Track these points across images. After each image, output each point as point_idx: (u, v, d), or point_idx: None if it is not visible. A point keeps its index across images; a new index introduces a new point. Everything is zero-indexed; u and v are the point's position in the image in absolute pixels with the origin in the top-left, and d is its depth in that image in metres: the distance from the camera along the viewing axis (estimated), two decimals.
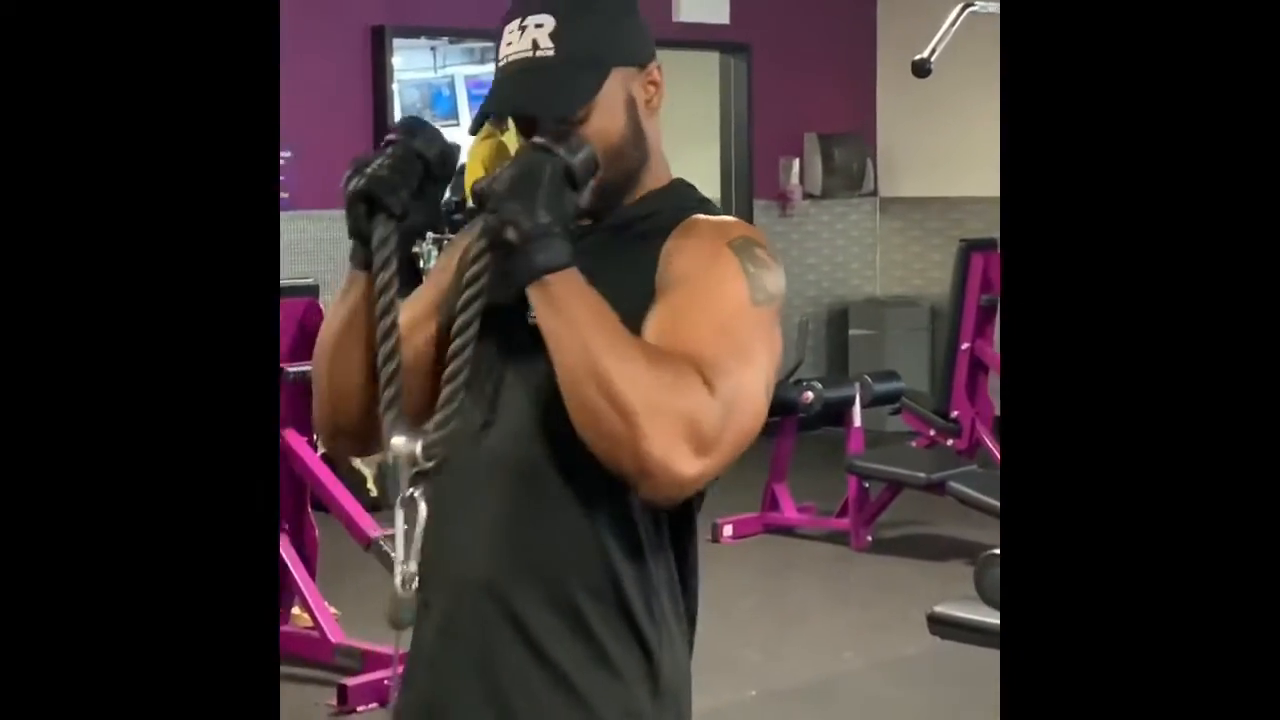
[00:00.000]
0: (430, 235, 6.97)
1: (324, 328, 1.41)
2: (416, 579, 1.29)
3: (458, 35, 6.96)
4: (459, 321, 1.31)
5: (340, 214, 1.36)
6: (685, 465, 1.25)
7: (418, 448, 1.28)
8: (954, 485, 4.87)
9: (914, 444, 5.76)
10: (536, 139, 1.30)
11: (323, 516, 4.06)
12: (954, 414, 5.77)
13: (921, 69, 2.95)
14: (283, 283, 3.34)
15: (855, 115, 7.41)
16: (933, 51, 2.97)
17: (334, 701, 3.64)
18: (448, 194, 7.37)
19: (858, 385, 5.46)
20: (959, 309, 5.82)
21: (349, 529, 3.91)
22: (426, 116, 8.11)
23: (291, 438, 3.96)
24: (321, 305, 4.06)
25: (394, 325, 1.32)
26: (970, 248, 5.87)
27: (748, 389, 1.30)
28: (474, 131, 1.80)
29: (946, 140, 7.11)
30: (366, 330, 1.34)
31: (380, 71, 5.93)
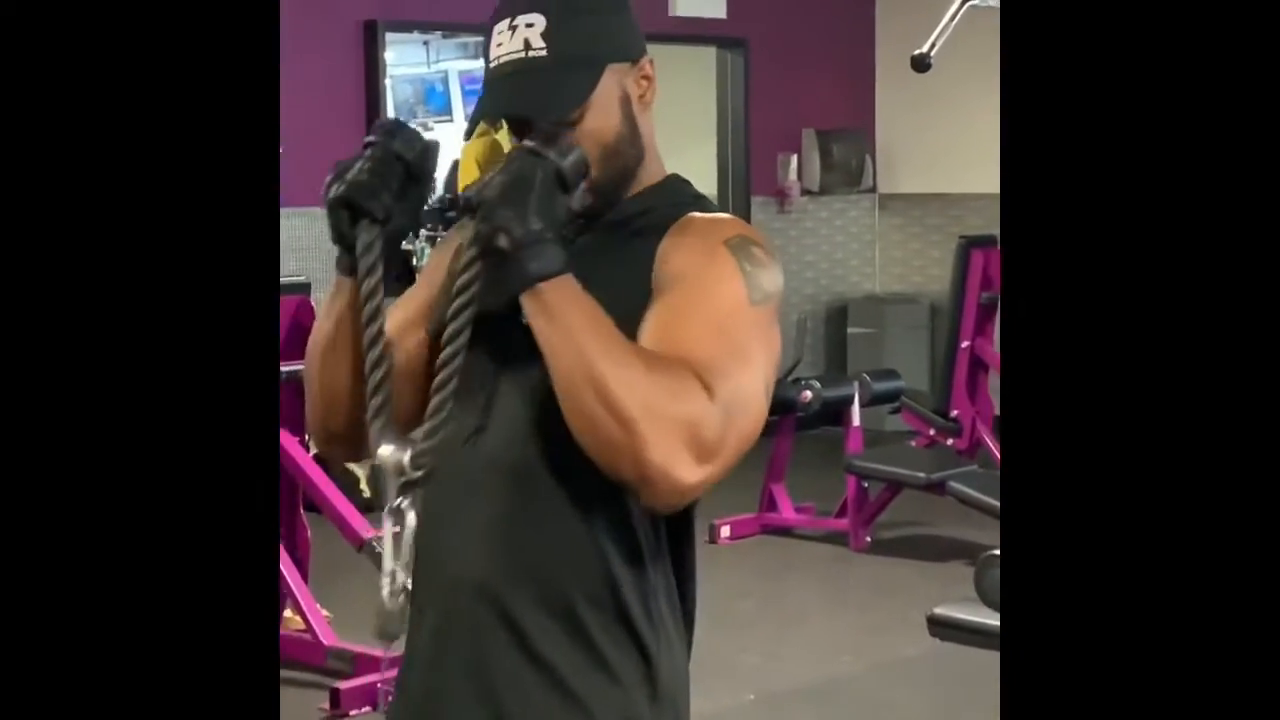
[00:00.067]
0: (424, 233, 6.96)
1: (313, 334, 1.40)
2: (404, 591, 1.27)
3: (451, 30, 6.97)
4: (449, 330, 1.29)
5: None
6: (686, 472, 1.24)
7: (405, 457, 1.27)
8: (954, 485, 4.87)
9: (913, 443, 5.76)
10: (526, 142, 1.29)
11: (315, 518, 4.06)
12: (954, 413, 5.77)
13: (921, 64, 2.92)
14: None
15: (854, 110, 7.42)
16: (932, 46, 2.92)
17: (326, 705, 3.63)
18: (440, 190, 7.34)
19: (856, 384, 5.46)
20: (959, 307, 5.83)
21: (342, 530, 3.91)
22: (420, 112, 8.14)
23: (283, 438, 3.93)
24: (314, 303, 4.04)
25: (380, 332, 1.31)
26: (970, 245, 5.88)
27: (747, 391, 1.29)
28: (469, 136, 1.80)
29: (946, 136, 7.11)
30: (354, 337, 1.33)
31: (373, 67, 5.93)
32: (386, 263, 1.32)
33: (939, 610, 2.85)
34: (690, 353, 1.27)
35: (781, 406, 5.08)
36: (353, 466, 4.39)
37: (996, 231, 6.18)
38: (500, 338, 1.33)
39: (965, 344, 5.78)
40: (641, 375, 1.24)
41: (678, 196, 1.42)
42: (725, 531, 5.24)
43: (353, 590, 4.15)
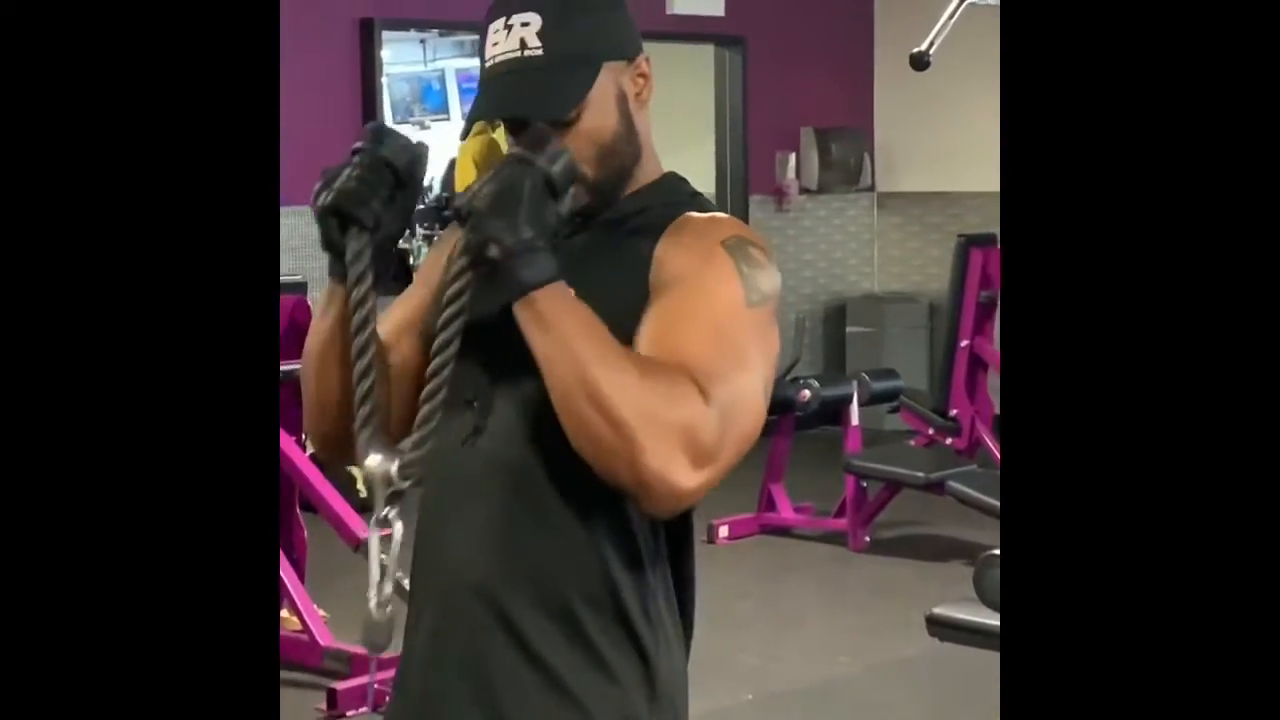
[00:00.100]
0: (421, 232, 6.92)
1: (308, 339, 1.40)
2: (392, 602, 1.27)
3: (448, 28, 6.97)
4: (439, 340, 1.28)
5: None
6: (684, 477, 1.24)
7: (393, 468, 1.27)
8: (953, 485, 4.86)
9: (912, 443, 5.76)
10: (514, 149, 1.28)
11: (311, 517, 4.04)
12: (953, 412, 5.77)
13: (920, 62, 2.90)
14: None
15: (852, 109, 7.41)
16: (931, 44, 2.91)
17: (323, 706, 3.62)
18: (437, 189, 7.32)
19: (855, 383, 5.45)
20: (958, 305, 5.83)
21: (338, 530, 3.89)
22: (417, 111, 8.13)
23: (280, 437, 3.91)
24: (310, 302, 4.02)
25: (370, 341, 1.30)
26: (969, 243, 5.88)
27: (745, 393, 1.29)
28: (465, 136, 1.81)
29: (945, 134, 7.10)
30: (348, 344, 1.33)
31: (369, 65, 5.92)
32: (378, 268, 1.31)
33: (938, 610, 2.84)
34: (687, 357, 1.27)
35: (780, 406, 5.08)
36: (351, 467, 4.36)
37: (995, 230, 6.18)
38: (497, 338, 1.32)
39: (964, 343, 5.78)
40: (636, 381, 1.23)
41: (674, 195, 1.42)
42: (723, 531, 5.23)
43: (349, 590, 4.11)
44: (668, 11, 6.67)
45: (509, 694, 1.34)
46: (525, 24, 1.35)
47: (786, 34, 7.12)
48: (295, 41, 5.46)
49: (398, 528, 1.26)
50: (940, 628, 2.83)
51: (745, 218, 6.91)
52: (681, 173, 1.47)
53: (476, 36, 1.44)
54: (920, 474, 4.94)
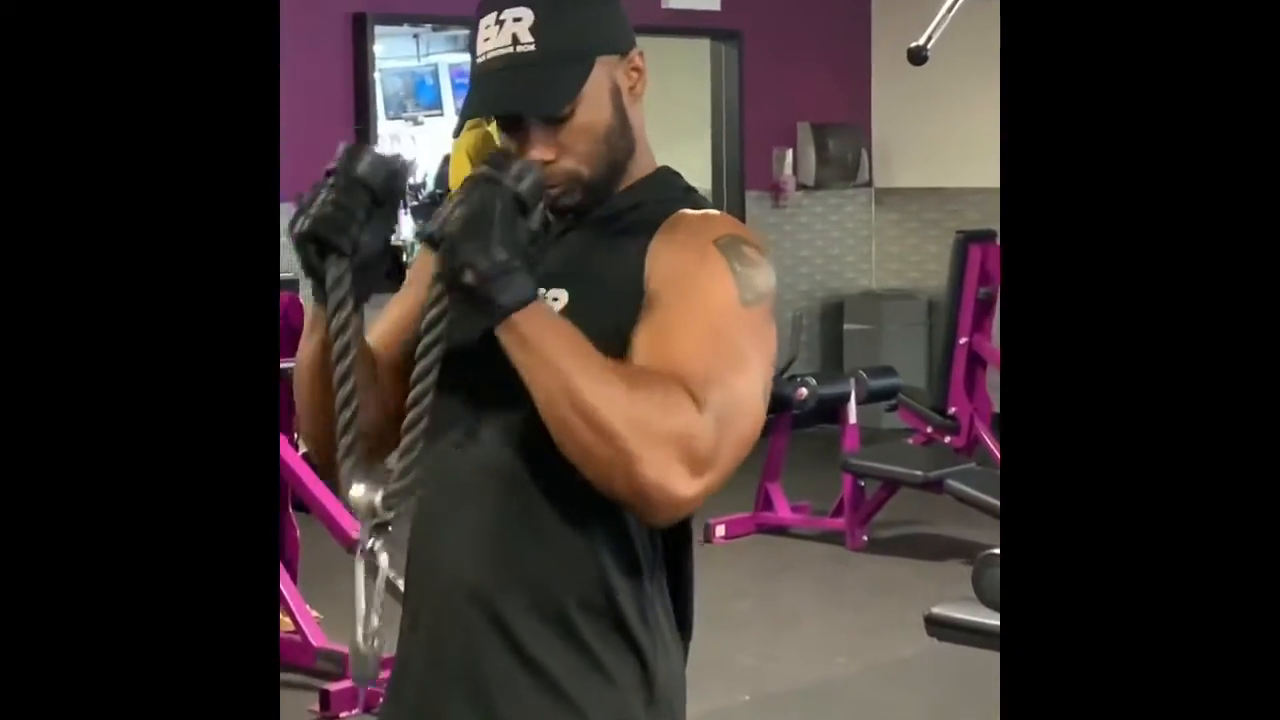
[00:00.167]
0: (414, 226, 6.88)
1: (298, 354, 1.40)
2: (378, 637, 1.27)
3: (441, 23, 6.95)
4: (418, 368, 1.28)
5: None
6: (682, 486, 1.24)
7: (377, 498, 1.26)
8: (952, 483, 4.85)
9: (911, 441, 5.75)
10: (481, 170, 1.27)
11: (304, 517, 4.02)
12: (952, 410, 5.76)
13: (918, 56, 2.88)
14: None
15: (850, 104, 7.40)
16: (929, 38, 2.88)
17: (316, 707, 3.61)
18: (430, 185, 7.29)
19: (853, 381, 5.45)
20: (956, 302, 5.84)
21: (331, 530, 3.89)
22: (410, 106, 8.10)
23: (280, 436, 3.88)
24: (302, 300, 3.98)
25: (351, 369, 1.30)
26: (968, 239, 5.88)
27: (742, 396, 1.28)
28: (457, 134, 1.79)
29: (943, 129, 7.09)
30: (330, 368, 1.33)
31: (362, 60, 5.91)
32: (360, 289, 1.31)
33: (936, 610, 2.84)
34: (681, 362, 1.26)
35: (777, 404, 5.07)
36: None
37: (994, 226, 6.17)
38: (486, 344, 1.31)
39: (963, 340, 5.78)
40: (625, 393, 1.23)
41: (668, 190, 1.41)
42: (720, 531, 5.23)
43: (343, 591, 4.07)
44: (663, 6, 6.67)
45: (504, 697, 1.34)
46: (518, 19, 1.34)
47: (783, 28, 7.11)
48: (287, 37, 5.41)
49: (383, 559, 1.25)
50: (939, 627, 2.83)
51: (742, 214, 6.90)
52: (677, 169, 1.46)
53: (469, 31, 1.43)
54: (918, 472, 4.94)
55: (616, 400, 1.23)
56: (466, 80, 1.42)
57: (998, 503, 4.55)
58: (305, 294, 1.36)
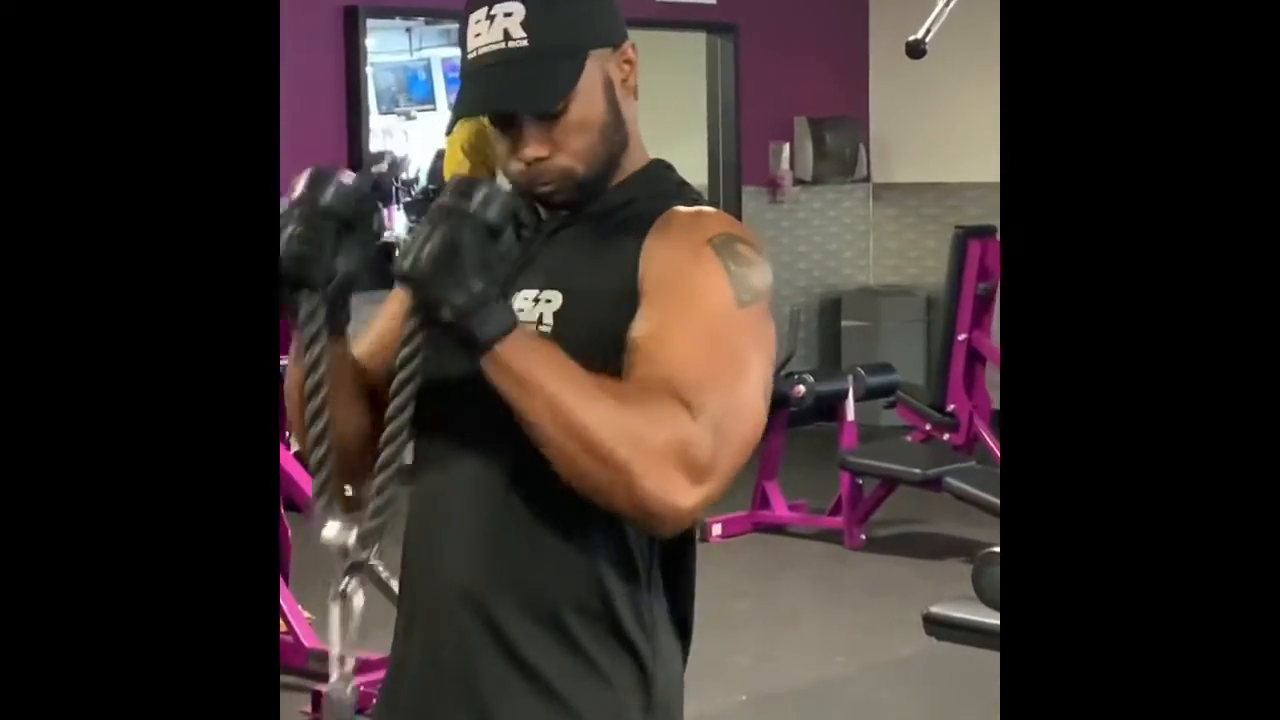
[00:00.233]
0: (407, 222, 6.82)
1: (285, 383, 1.40)
2: (352, 680, 1.28)
3: (434, 16, 6.93)
4: (392, 405, 1.27)
5: None
6: (683, 496, 1.24)
7: (350, 538, 1.26)
8: (950, 481, 4.84)
9: (909, 439, 5.76)
10: (445, 199, 1.25)
11: (296, 517, 3.99)
12: (950, 408, 5.77)
13: (916, 50, 2.85)
14: None
15: (847, 98, 7.40)
16: (927, 32, 2.86)
17: (309, 709, 3.59)
18: (424, 181, 7.23)
19: (851, 378, 5.45)
20: (955, 299, 5.88)
21: None
22: (402, 101, 8.06)
23: (280, 434, 3.85)
24: None
25: (324, 405, 1.29)
26: (966, 235, 5.90)
27: (740, 399, 1.28)
28: (449, 132, 1.79)
29: (942, 124, 7.09)
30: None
31: (353, 54, 5.89)
32: (338, 314, 1.31)
33: (935, 609, 2.83)
34: (675, 369, 1.26)
35: (774, 402, 5.01)
36: None
37: (993, 221, 6.14)
38: (473, 363, 1.30)
39: (962, 337, 5.81)
40: (616, 409, 1.23)
41: (661, 185, 1.41)
42: (717, 530, 5.23)
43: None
44: None
45: (499, 701, 1.33)
46: (508, 14, 1.33)
47: (780, 21, 7.10)
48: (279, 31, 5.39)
49: (358, 598, 1.25)
50: (938, 627, 2.83)
51: (738, 209, 6.88)
52: (673, 164, 1.45)
53: (459, 25, 1.41)
54: (917, 470, 4.93)
55: (608, 418, 1.22)
56: (459, 74, 1.40)
57: (997, 501, 4.55)
58: None
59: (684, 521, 1.28)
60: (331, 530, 1.26)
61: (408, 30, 7.97)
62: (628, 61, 1.38)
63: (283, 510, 4.02)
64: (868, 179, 7.49)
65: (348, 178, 1.30)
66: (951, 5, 2.97)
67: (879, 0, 7.35)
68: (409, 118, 7.99)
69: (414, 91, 8.12)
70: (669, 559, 1.37)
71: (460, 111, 1.38)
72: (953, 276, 5.84)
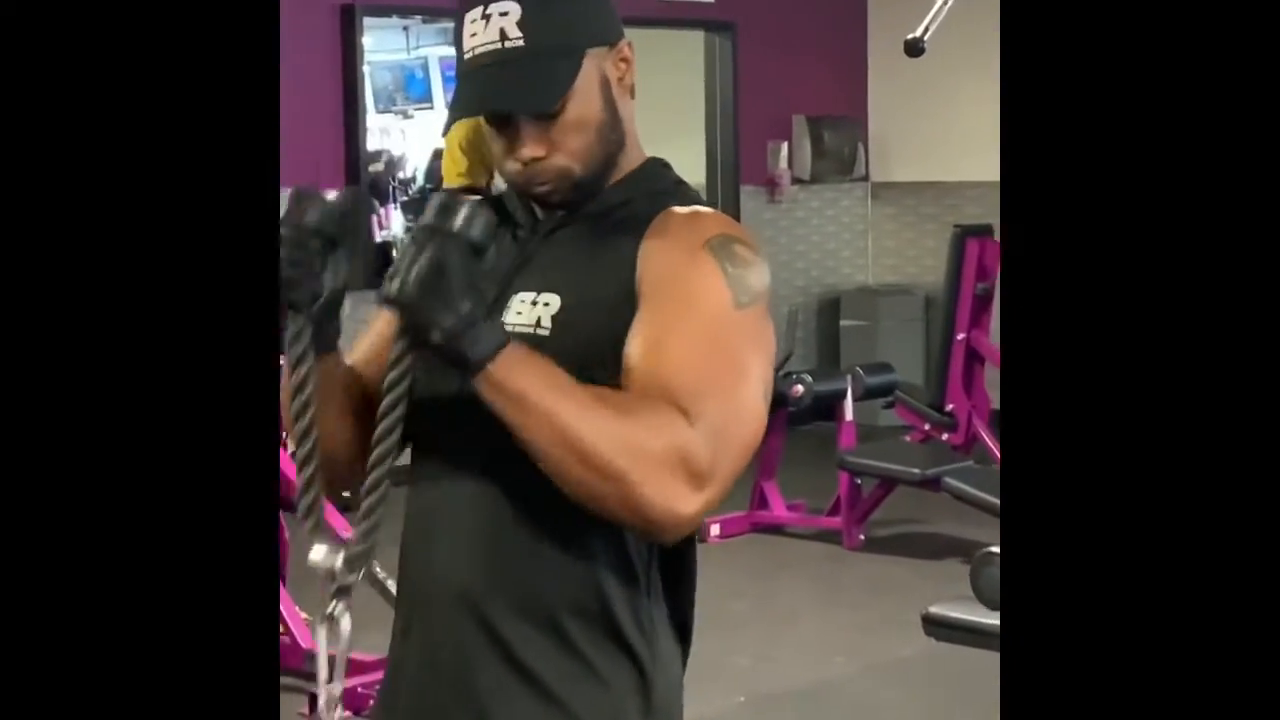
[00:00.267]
0: (404, 223, 6.80)
1: (282, 391, 1.40)
2: (339, 706, 1.28)
3: (432, 14, 6.92)
4: (379, 429, 1.27)
5: None
6: (685, 503, 1.24)
7: (337, 562, 1.26)
8: (949, 481, 4.83)
9: (908, 438, 5.77)
10: (427, 220, 1.25)
11: (291, 517, 3.95)
12: (949, 407, 5.78)
13: (915, 48, 2.84)
14: None
15: (846, 97, 7.39)
16: (926, 30, 2.85)
17: (306, 710, 3.58)
18: (420, 180, 7.21)
19: (849, 378, 5.44)
20: (954, 298, 5.90)
21: None
22: (400, 99, 8.05)
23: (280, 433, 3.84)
24: None
25: (311, 426, 1.30)
26: (965, 234, 5.91)
27: (739, 403, 1.28)
28: (446, 133, 1.75)
29: (941, 123, 7.08)
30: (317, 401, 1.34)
31: (350, 53, 5.87)
32: (328, 329, 1.32)
33: (934, 609, 2.83)
34: (673, 374, 1.26)
35: (773, 401, 5.00)
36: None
37: (992, 220, 6.13)
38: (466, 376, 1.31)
39: (960, 336, 5.82)
40: (613, 420, 1.23)
41: (657, 184, 1.40)
42: (715, 530, 5.22)
43: None
44: None
45: (496, 702, 1.33)
46: (504, 13, 1.32)
47: (778, 19, 7.09)
48: None
49: (345, 622, 1.25)
50: (936, 627, 2.84)
51: (736, 208, 6.87)
52: (671, 163, 1.45)
53: (454, 25, 1.40)
54: (915, 470, 4.93)
55: (605, 429, 1.22)
56: (455, 74, 1.39)
57: (996, 501, 4.55)
58: None
59: (685, 528, 1.27)
60: (319, 553, 1.26)
61: (405, 29, 7.97)
62: (624, 60, 1.37)
63: (281, 512, 4.01)
64: (866, 178, 7.48)
65: (331, 195, 1.30)
66: (950, 4, 2.96)
67: None
68: (406, 116, 7.99)
69: (411, 90, 8.11)
70: (669, 562, 1.37)
71: (457, 112, 1.38)
72: (951, 276, 5.85)
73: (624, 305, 1.30)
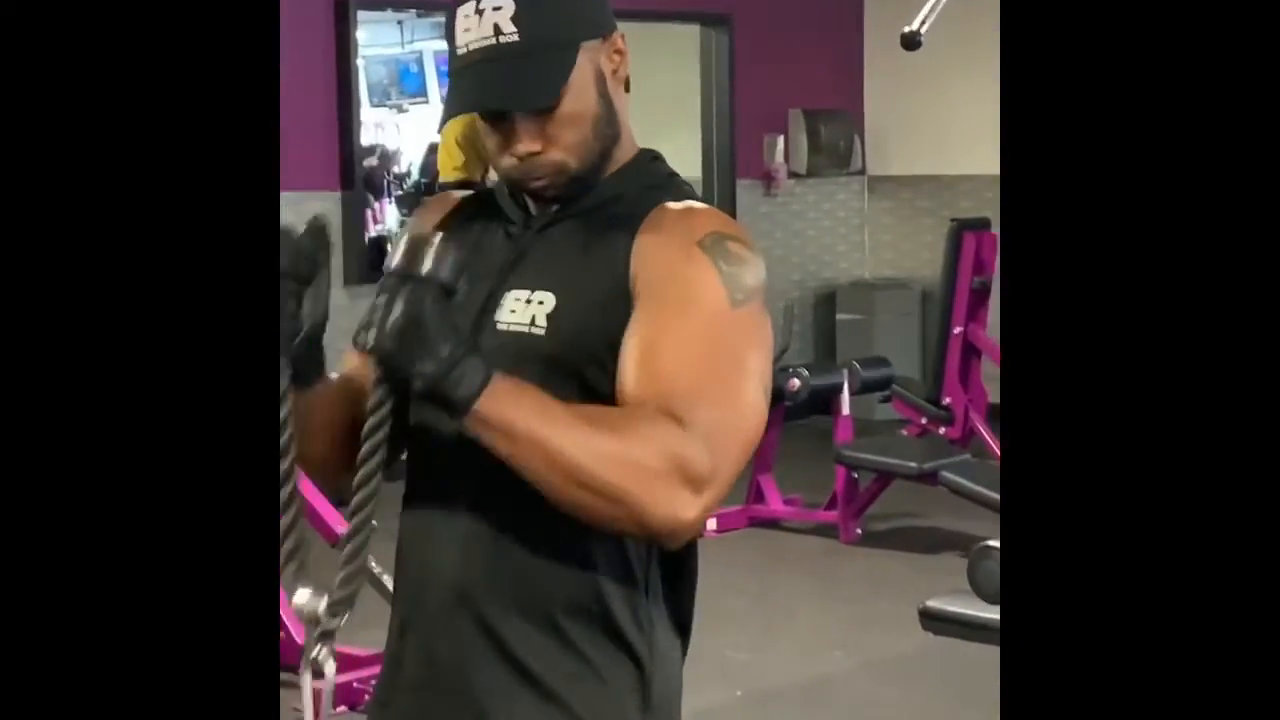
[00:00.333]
0: (398, 215, 6.78)
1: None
2: None
3: (426, 9, 6.89)
4: (360, 474, 1.26)
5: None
6: (688, 510, 1.25)
7: (321, 606, 1.26)
8: (946, 475, 4.85)
9: (905, 432, 5.79)
10: (396, 263, 1.24)
11: None
12: (946, 401, 5.79)
13: (911, 41, 2.84)
14: None
15: (842, 90, 7.39)
16: (923, 23, 2.84)
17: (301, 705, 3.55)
18: (415, 175, 7.17)
19: (846, 372, 5.45)
20: (950, 292, 5.93)
21: (315, 526, 3.84)
22: (394, 94, 8.04)
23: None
24: None
25: (291, 468, 1.28)
26: (962, 227, 5.94)
27: (736, 403, 1.28)
28: (441, 129, 1.75)
29: (937, 116, 7.08)
30: (308, 423, 1.34)
31: (344, 47, 5.86)
32: (308, 366, 1.31)
33: (931, 603, 2.85)
34: (667, 378, 1.26)
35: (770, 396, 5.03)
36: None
37: (989, 214, 6.13)
38: None
39: (957, 330, 5.85)
40: (607, 440, 1.23)
41: (651, 178, 1.40)
42: (711, 525, 5.21)
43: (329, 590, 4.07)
44: None
45: (494, 700, 1.33)
46: (498, 8, 1.31)
47: (774, 13, 7.09)
48: None
49: (329, 667, 1.25)
50: (933, 621, 2.84)
51: (732, 202, 6.86)
52: (667, 157, 1.45)
53: (446, 20, 1.39)
54: (912, 464, 4.93)
55: (598, 450, 1.22)
56: (448, 70, 1.38)
57: (993, 494, 4.56)
58: None
59: (690, 532, 1.28)
60: (302, 598, 1.26)
61: (399, 23, 7.95)
62: (618, 52, 1.37)
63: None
64: (863, 171, 7.48)
65: (296, 233, 1.30)
66: None
67: None
68: (401, 110, 7.97)
69: (406, 84, 8.09)
70: (669, 559, 1.37)
71: (453, 109, 1.37)
72: (948, 269, 5.86)
73: (618, 303, 1.30)
